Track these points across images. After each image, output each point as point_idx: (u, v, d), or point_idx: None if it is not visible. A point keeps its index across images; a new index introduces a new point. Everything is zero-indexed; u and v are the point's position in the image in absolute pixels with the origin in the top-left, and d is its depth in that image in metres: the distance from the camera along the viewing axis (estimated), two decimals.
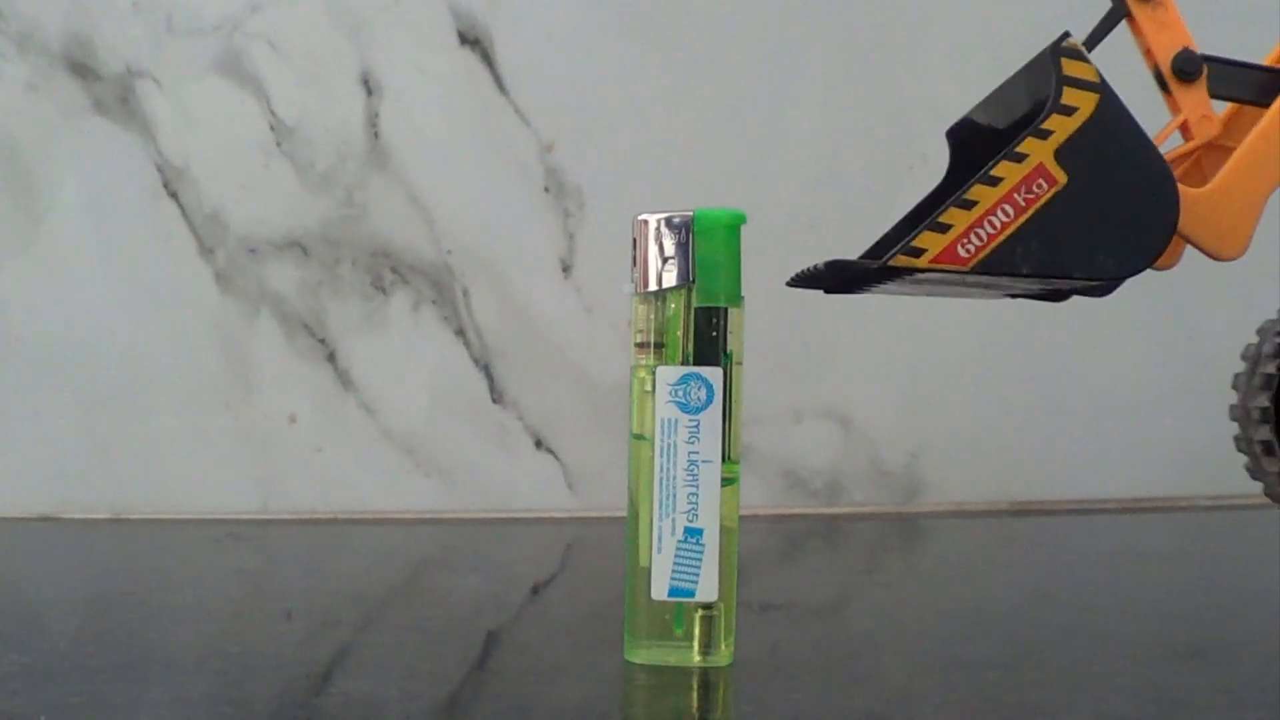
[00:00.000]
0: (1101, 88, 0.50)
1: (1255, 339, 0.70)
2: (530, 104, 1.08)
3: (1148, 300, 1.15)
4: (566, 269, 1.09)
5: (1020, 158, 0.50)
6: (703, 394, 0.55)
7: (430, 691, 0.54)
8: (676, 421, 0.55)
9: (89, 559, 0.93)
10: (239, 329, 1.06)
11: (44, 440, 1.05)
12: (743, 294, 0.57)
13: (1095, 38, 0.58)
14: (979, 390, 1.13)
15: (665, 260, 0.55)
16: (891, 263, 0.50)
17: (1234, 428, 0.69)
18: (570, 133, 1.08)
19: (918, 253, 0.49)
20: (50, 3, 1.04)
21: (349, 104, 1.06)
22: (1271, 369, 0.65)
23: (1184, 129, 0.58)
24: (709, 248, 0.56)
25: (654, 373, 0.55)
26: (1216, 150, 0.58)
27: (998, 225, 0.50)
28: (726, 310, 0.56)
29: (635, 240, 0.56)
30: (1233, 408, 0.68)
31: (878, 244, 0.65)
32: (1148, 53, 0.58)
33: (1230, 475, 0.75)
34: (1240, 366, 0.70)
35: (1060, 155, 0.50)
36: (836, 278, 0.54)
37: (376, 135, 1.06)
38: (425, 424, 1.08)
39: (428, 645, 0.63)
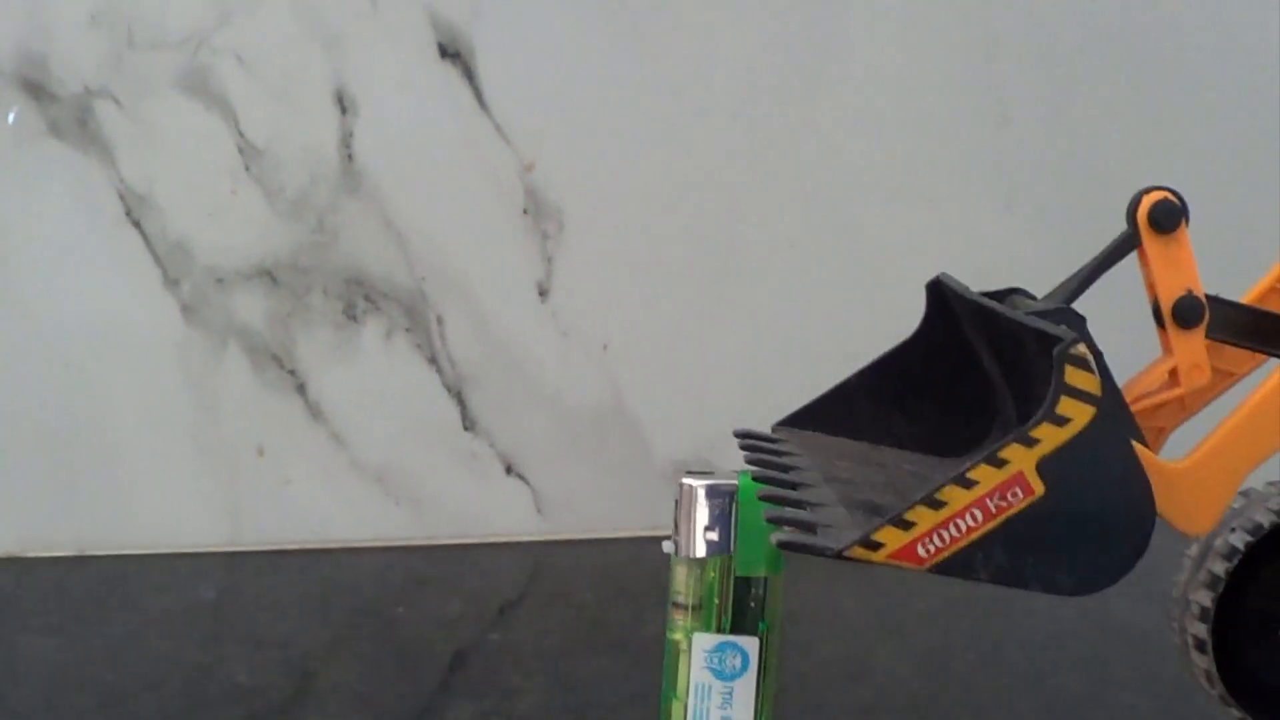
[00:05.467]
0: (1100, 401, 0.47)
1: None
2: (511, 121, 1.03)
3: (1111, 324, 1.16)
4: (544, 293, 1.05)
5: (1001, 463, 0.46)
6: (738, 662, 0.55)
7: None
8: (710, 687, 0.55)
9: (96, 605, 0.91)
10: (206, 362, 1.01)
11: (6, 478, 1.01)
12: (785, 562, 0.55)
13: (1106, 263, 0.56)
14: None
15: (708, 527, 0.55)
16: (847, 554, 0.47)
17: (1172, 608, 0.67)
18: (551, 151, 1.04)
19: (875, 546, 0.46)
20: (0, 16, 0.97)
21: (322, 123, 1.01)
22: (1219, 569, 0.63)
23: (1172, 373, 0.56)
24: (752, 516, 0.54)
25: (690, 637, 0.55)
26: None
27: (963, 529, 0.47)
28: (766, 580, 0.55)
29: (678, 502, 0.55)
30: (1174, 588, 0.66)
31: (834, 394, 0.64)
32: (1150, 285, 0.56)
33: None
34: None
35: (1042, 466, 0.47)
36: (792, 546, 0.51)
37: (350, 157, 1.01)
38: (396, 453, 1.05)
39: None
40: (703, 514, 0.54)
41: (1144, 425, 0.57)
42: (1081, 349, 0.46)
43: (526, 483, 1.08)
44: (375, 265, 1.03)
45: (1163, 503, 0.51)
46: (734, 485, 0.54)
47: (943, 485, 0.47)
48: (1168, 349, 0.56)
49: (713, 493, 0.54)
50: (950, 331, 0.62)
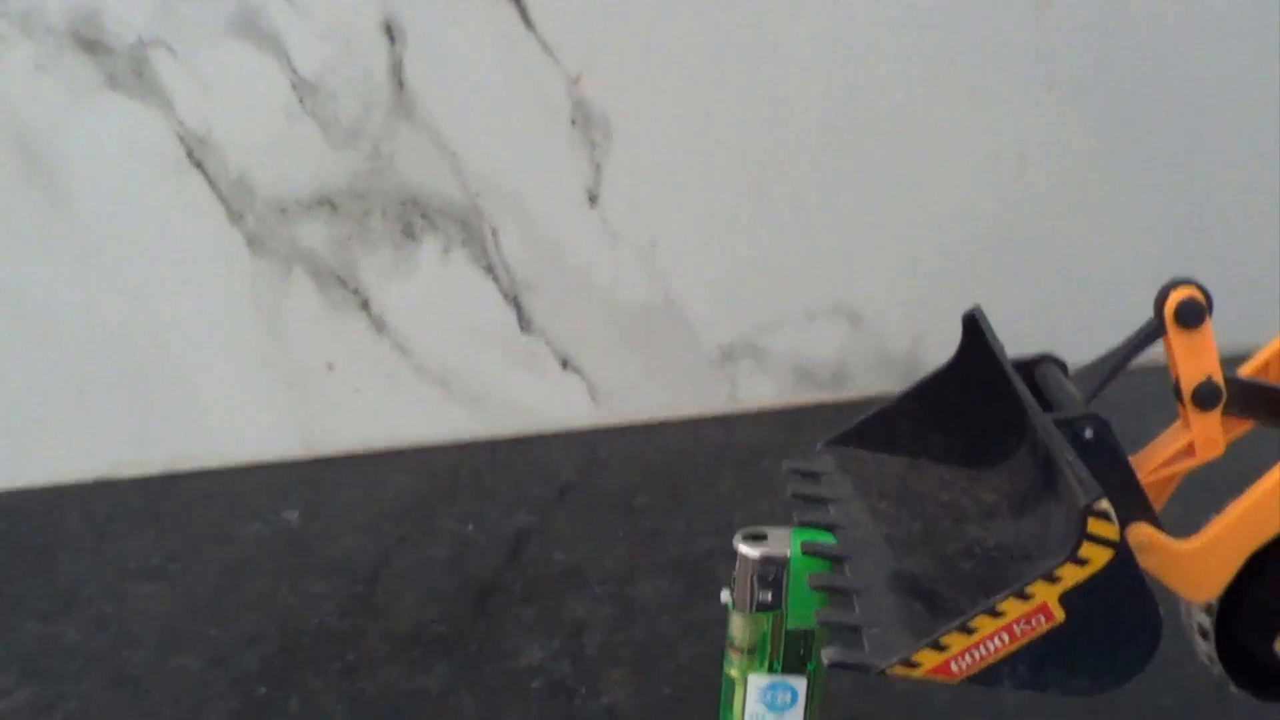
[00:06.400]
0: (1118, 545, 0.51)
1: None
2: (557, 36, 1.04)
3: (1150, 201, 1.19)
4: (593, 199, 1.08)
5: (1027, 597, 0.52)
6: (788, 698, 0.61)
7: None
8: (764, 718, 0.62)
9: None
10: (273, 288, 1.05)
11: (95, 409, 1.06)
12: None
13: (1134, 351, 0.60)
14: (977, 277, 1.17)
15: (762, 589, 0.60)
16: (888, 671, 0.53)
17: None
18: (598, 62, 1.06)
19: (914, 665, 0.52)
20: None
21: (371, 54, 1.02)
22: None
23: (1189, 446, 0.61)
24: (802, 579, 0.59)
25: (745, 676, 0.61)
26: None
27: (991, 650, 0.52)
28: (814, 632, 0.60)
29: (737, 565, 0.60)
30: None
31: (878, 416, 0.68)
32: (1173, 367, 0.59)
33: None
34: None
35: (1064, 598, 0.52)
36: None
37: (401, 84, 1.02)
38: (458, 358, 1.10)
39: None
40: (757, 579, 0.60)
41: (1160, 476, 0.62)
42: (1104, 505, 0.51)
43: (581, 375, 1.13)
44: (430, 185, 1.05)
45: (1172, 577, 0.58)
46: (786, 556, 0.59)
47: (975, 614, 0.52)
48: (1185, 424, 0.60)
49: (766, 561, 0.60)
50: (983, 361, 0.66)
